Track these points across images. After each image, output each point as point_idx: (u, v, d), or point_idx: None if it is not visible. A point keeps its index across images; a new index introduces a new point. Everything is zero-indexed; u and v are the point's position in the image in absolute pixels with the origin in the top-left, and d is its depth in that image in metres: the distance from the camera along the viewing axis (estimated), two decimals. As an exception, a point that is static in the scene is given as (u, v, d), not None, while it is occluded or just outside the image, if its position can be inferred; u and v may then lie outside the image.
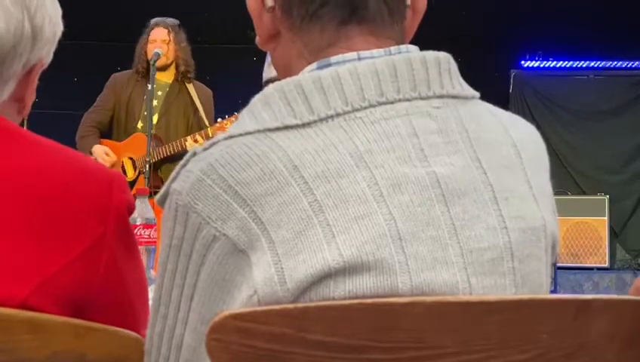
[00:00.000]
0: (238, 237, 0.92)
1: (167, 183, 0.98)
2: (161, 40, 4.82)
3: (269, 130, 0.96)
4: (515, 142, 1.04)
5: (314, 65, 1.03)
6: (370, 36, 1.04)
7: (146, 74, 4.78)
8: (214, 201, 0.93)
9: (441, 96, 1.01)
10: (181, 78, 4.91)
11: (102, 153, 4.86)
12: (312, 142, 0.94)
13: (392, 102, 0.98)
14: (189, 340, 0.97)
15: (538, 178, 1.05)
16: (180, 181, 0.96)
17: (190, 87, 4.92)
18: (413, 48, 1.04)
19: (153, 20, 4.93)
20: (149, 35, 4.86)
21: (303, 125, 0.96)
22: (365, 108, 0.97)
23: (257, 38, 1.11)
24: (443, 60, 1.02)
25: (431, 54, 1.02)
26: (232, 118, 4.63)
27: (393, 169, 0.95)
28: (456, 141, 0.99)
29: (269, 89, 1.00)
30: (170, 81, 4.92)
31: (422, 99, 1.00)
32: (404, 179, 0.94)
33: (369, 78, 0.98)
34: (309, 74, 0.99)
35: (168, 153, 4.75)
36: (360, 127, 0.96)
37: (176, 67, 4.91)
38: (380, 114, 0.97)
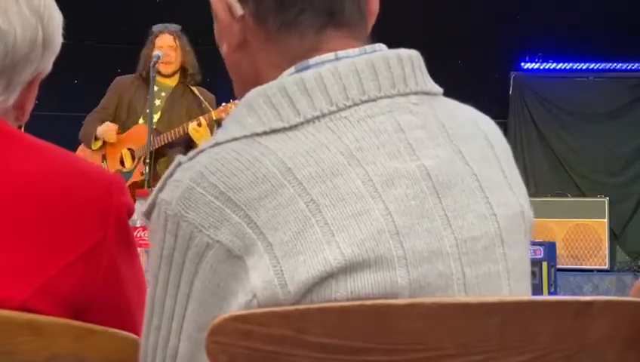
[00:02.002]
0: (232, 243, 0.91)
1: (152, 194, 0.97)
2: (167, 46, 4.84)
3: (257, 134, 0.96)
4: (486, 134, 1.06)
5: (292, 69, 1.02)
6: (348, 39, 1.04)
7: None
8: (206, 209, 0.92)
9: (416, 93, 1.02)
10: (187, 81, 4.91)
11: (103, 127, 4.87)
12: (302, 144, 0.94)
13: (374, 100, 0.99)
14: (184, 350, 0.96)
15: (510, 167, 1.07)
16: (168, 191, 0.95)
17: (195, 89, 4.93)
18: (384, 47, 1.05)
19: (156, 28, 4.93)
20: (154, 42, 4.87)
21: (290, 128, 0.96)
22: (349, 107, 0.98)
23: (225, 49, 1.09)
24: (415, 58, 1.04)
25: (404, 52, 1.03)
26: (237, 102, 4.60)
27: (385, 165, 0.95)
28: (437, 135, 1.01)
29: (251, 94, 0.99)
30: (174, 84, 4.93)
31: (401, 95, 1.01)
32: (396, 174, 0.95)
33: (350, 77, 0.99)
34: (290, 77, 0.99)
35: (169, 140, 4.74)
36: (347, 126, 0.96)
37: (183, 71, 4.92)
38: (364, 112, 0.98)
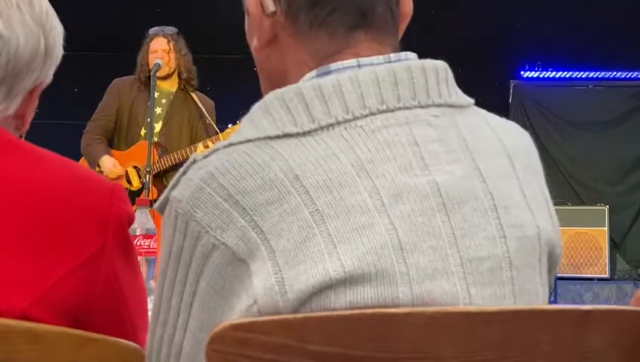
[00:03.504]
0: (237, 246, 0.92)
1: (166, 190, 0.98)
2: (161, 50, 4.82)
3: (270, 138, 0.96)
4: (508, 151, 1.04)
5: (313, 72, 1.02)
6: (374, 42, 1.04)
7: (149, 83, 4.77)
8: (214, 210, 0.93)
9: (439, 105, 1.01)
10: (184, 87, 4.91)
11: (110, 165, 4.86)
12: (313, 151, 0.94)
13: (392, 111, 0.98)
14: (188, 347, 0.97)
15: (531, 186, 1.05)
16: (180, 189, 0.96)
17: (194, 95, 4.93)
18: (412, 56, 1.04)
19: (152, 30, 4.93)
20: (149, 46, 4.87)
21: (304, 133, 0.96)
22: (366, 116, 0.97)
23: (255, 44, 1.09)
24: (441, 69, 1.03)
25: (430, 63, 1.02)
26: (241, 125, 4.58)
27: (394, 178, 0.95)
28: (455, 150, 0.99)
29: (269, 97, 0.99)
30: (174, 90, 4.92)
31: (421, 107, 1.00)
32: (405, 189, 0.94)
33: (370, 86, 0.98)
34: (309, 82, 0.99)
35: (176, 161, 4.73)
36: (361, 136, 0.96)
37: (179, 75, 4.91)
38: (381, 122, 0.97)
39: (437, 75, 1.02)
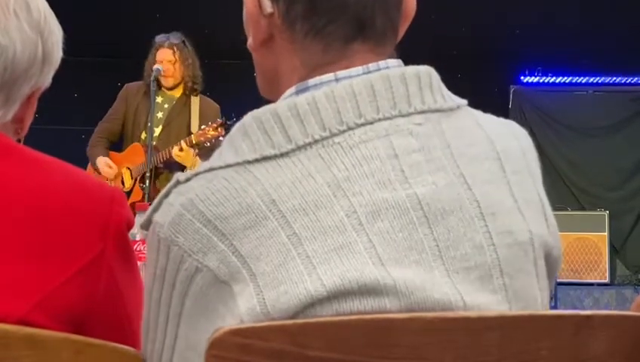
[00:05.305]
0: (219, 269, 0.92)
1: (149, 211, 0.99)
2: (167, 61, 4.86)
3: (248, 162, 0.95)
4: (499, 154, 1.02)
5: (293, 89, 1.01)
6: (369, 53, 1.02)
7: (156, 90, 4.83)
8: (194, 235, 0.93)
9: (422, 112, 0.99)
10: (189, 92, 4.94)
11: (104, 165, 4.94)
12: (290, 174, 0.93)
13: (371, 123, 0.96)
14: None
15: (524, 189, 1.02)
16: (162, 213, 0.97)
17: (195, 100, 4.95)
18: (394, 63, 1.02)
19: (158, 40, 4.94)
20: (155, 56, 4.90)
21: (282, 155, 0.94)
22: (343, 131, 0.95)
23: (250, 42, 1.08)
24: (423, 75, 1.00)
25: (410, 69, 1.00)
26: (214, 125, 4.66)
27: (372, 195, 0.93)
28: (439, 158, 0.97)
29: (247, 118, 0.98)
30: (178, 95, 4.96)
31: (402, 116, 0.98)
32: (383, 205, 0.93)
33: (346, 100, 0.96)
34: (285, 101, 0.98)
35: (159, 162, 4.78)
36: (338, 153, 0.94)
37: (185, 83, 4.94)
38: (359, 137, 0.95)
39: (419, 81, 1.00)
